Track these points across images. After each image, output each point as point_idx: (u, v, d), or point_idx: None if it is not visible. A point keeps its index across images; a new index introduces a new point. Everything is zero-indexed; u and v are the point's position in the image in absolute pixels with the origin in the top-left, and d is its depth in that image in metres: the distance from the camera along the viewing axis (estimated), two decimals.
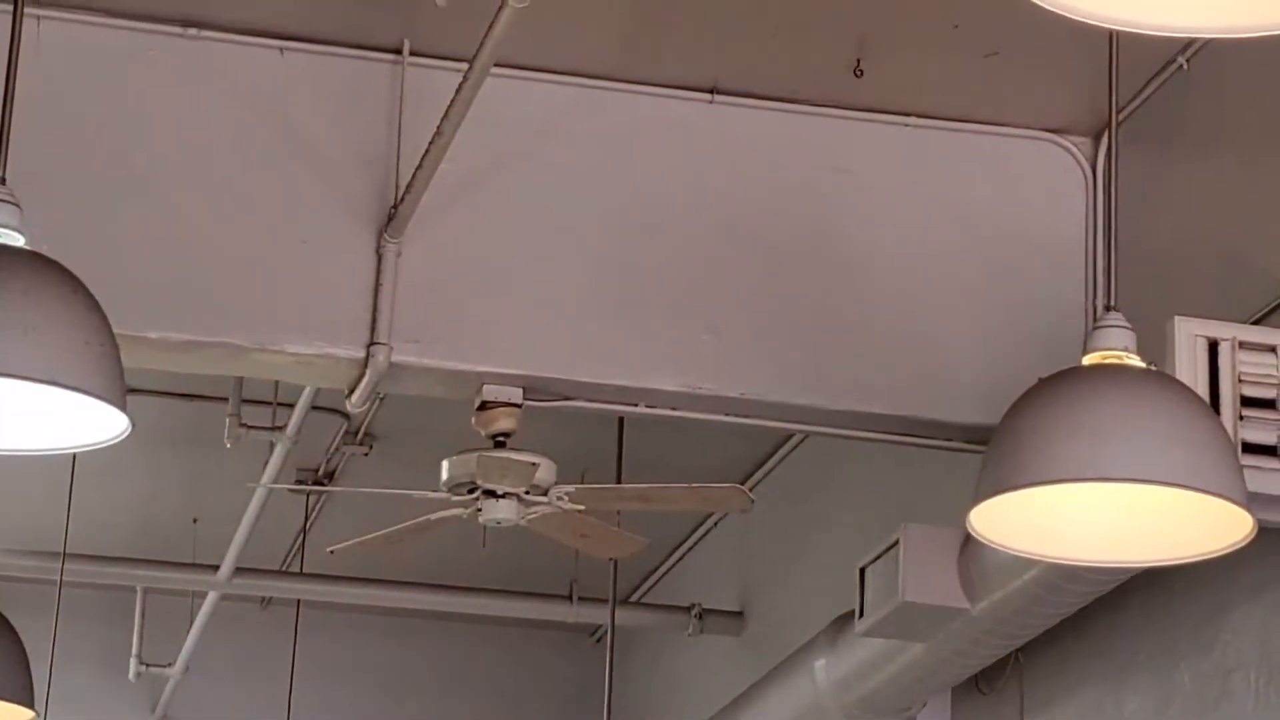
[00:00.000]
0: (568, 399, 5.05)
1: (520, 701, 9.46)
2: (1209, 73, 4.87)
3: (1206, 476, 3.48)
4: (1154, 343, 4.34)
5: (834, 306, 5.12)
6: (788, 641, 6.72)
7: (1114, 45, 3.83)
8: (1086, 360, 3.67)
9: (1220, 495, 3.49)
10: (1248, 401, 4.65)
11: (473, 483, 5.50)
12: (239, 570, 7.84)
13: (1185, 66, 4.85)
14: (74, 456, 6.95)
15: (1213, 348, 4.67)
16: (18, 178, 3.54)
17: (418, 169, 4.77)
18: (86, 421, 3.46)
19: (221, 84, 4.98)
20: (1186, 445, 3.49)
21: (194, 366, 5.17)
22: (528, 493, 5.54)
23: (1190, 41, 4.72)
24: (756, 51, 5.06)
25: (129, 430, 3.43)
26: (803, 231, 5.16)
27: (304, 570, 8.25)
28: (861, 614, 5.86)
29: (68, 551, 7.45)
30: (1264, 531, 3.75)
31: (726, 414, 5.09)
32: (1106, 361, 3.64)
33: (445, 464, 5.53)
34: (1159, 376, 3.68)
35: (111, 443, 3.49)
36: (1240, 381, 4.65)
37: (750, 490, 6.24)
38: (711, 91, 5.17)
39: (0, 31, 3.77)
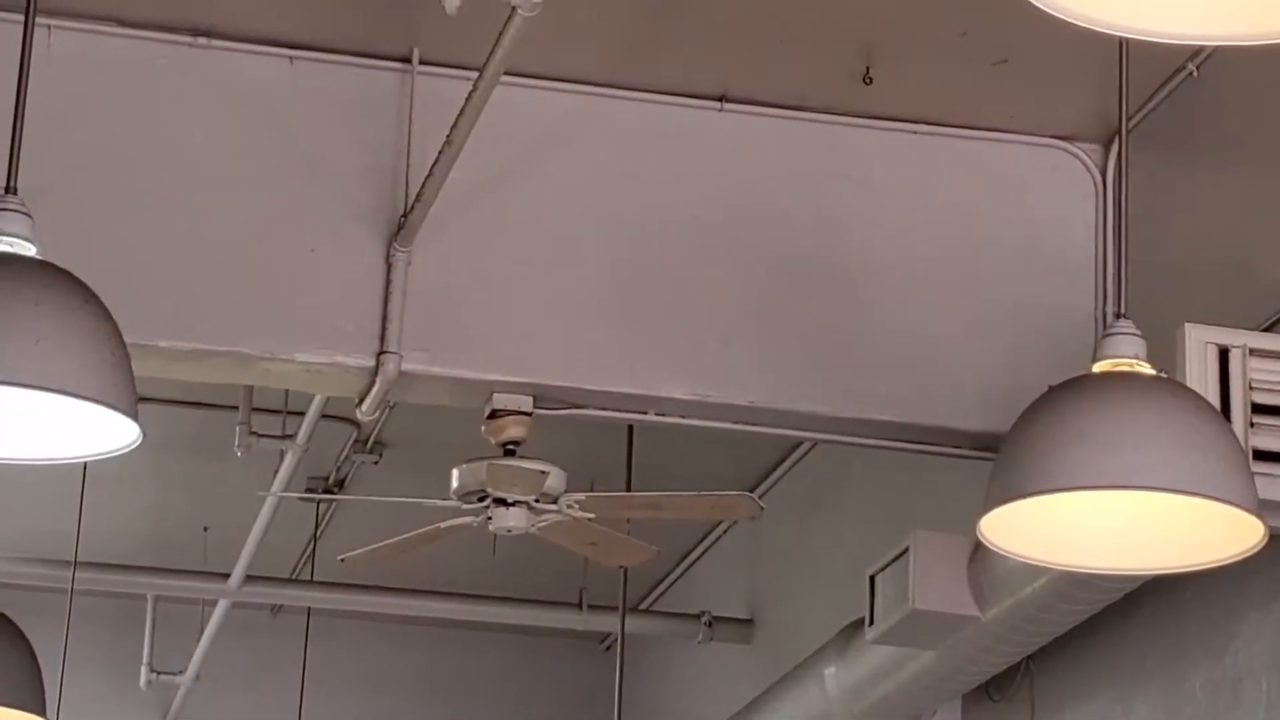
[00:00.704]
0: (577, 407, 5.06)
1: (530, 709, 9.46)
2: (1218, 79, 4.87)
3: (1217, 484, 3.47)
4: (1164, 350, 4.33)
5: (843, 314, 5.12)
6: (798, 649, 6.72)
7: (1124, 52, 3.83)
8: (1096, 368, 3.67)
9: (1231, 503, 3.49)
10: (1259, 409, 4.64)
11: (483, 491, 5.50)
12: (249, 578, 7.84)
13: (1195, 73, 4.85)
14: (85, 465, 6.96)
15: (1223, 355, 4.67)
16: (29, 187, 3.54)
17: (427, 178, 4.77)
18: (97, 430, 3.46)
19: (231, 93, 4.98)
20: (1197, 452, 3.48)
21: (204, 375, 5.18)
22: (537, 501, 5.55)
23: (1199, 48, 4.72)
24: (766, 59, 5.06)
25: (140, 439, 3.44)
26: (812, 239, 5.16)
27: (314, 578, 8.25)
28: (871, 621, 5.85)
29: (79, 560, 7.45)
30: (1275, 539, 3.74)
31: (736, 422, 5.09)
32: (1117, 369, 3.64)
33: (455, 472, 5.53)
34: (1169, 384, 3.68)
35: (122, 452, 3.49)
36: (1251, 389, 4.65)
37: (759, 498, 6.24)
38: (721, 99, 5.17)
39: (11, 41, 3.77)
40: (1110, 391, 3.58)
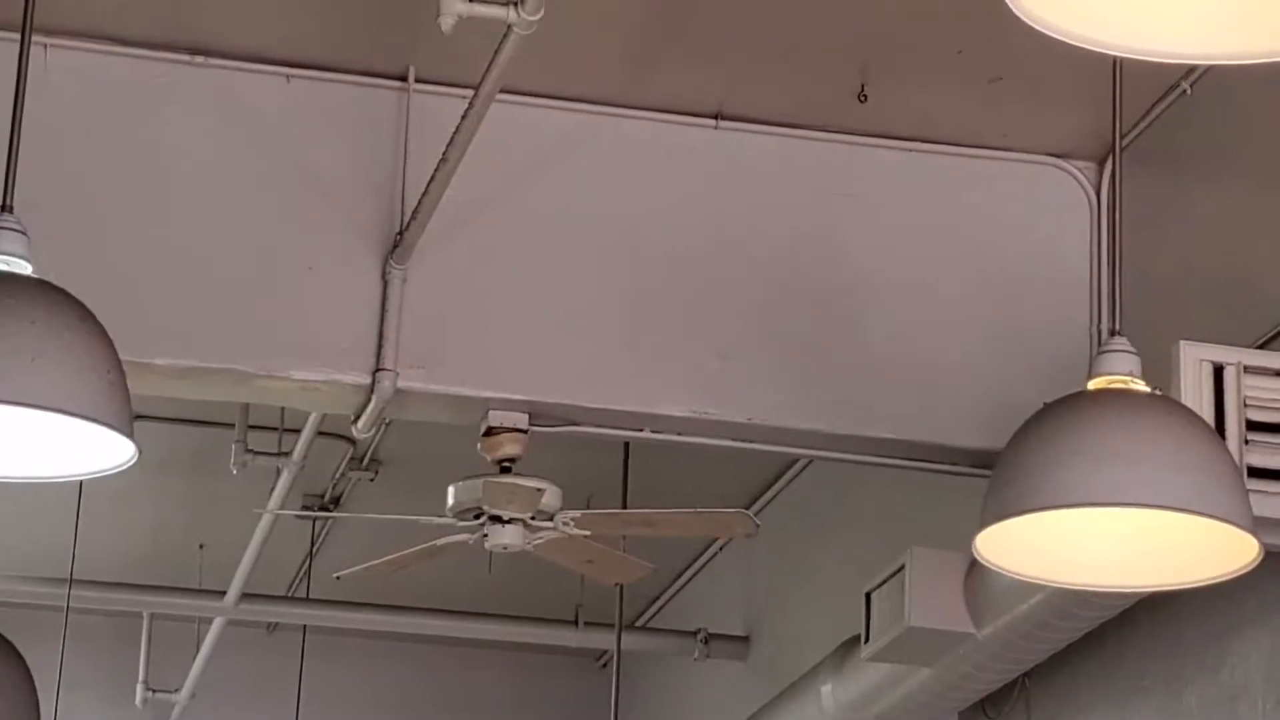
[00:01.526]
0: (573, 424, 5.06)
1: None
2: (1212, 97, 4.88)
3: (1212, 501, 3.48)
4: (1159, 367, 4.34)
5: (840, 331, 5.13)
6: (794, 666, 6.72)
7: (1117, 71, 3.84)
8: (1091, 385, 3.68)
9: (1226, 520, 3.49)
10: (1253, 426, 4.65)
11: (479, 508, 5.50)
12: (245, 596, 7.84)
13: (1189, 91, 4.86)
14: (81, 483, 6.95)
15: (1218, 372, 4.67)
16: (25, 205, 3.55)
17: (423, 195, 4.78)
18: (93, 449, 3.46)
19: (228, 111, 4.99)
20: (1192, 470, 3.49)
21: (200, 393, 5.18)
22: (534, 518, 5.55)
23: (1193, 67, 4.73)
24: (761, 76, 5.07)
25: (136, 457, 3.44)
26: (808, 256, 5.17)
27: (310, 596, 8.25)
28: (868, 638, 5.85)
29: (75, 578, 7.45)
30: (1270, 555, 3.74)
31: (733, 439, 5.09)
32: (1111, 386, 3.64)
33: (451, 489, 5.53)
34: (1164, 401, 3.68)
35: (118, 470, 3.49)
36: (1246, 406, 4.65)
37: (756, 515, 6.24)
38: (716, 117, 5.18)
39: (8, 59, 3.78)
40: (1105, 408, 3.58)
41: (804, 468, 7.41)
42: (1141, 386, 3.65)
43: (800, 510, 7.52)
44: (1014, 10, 2.51)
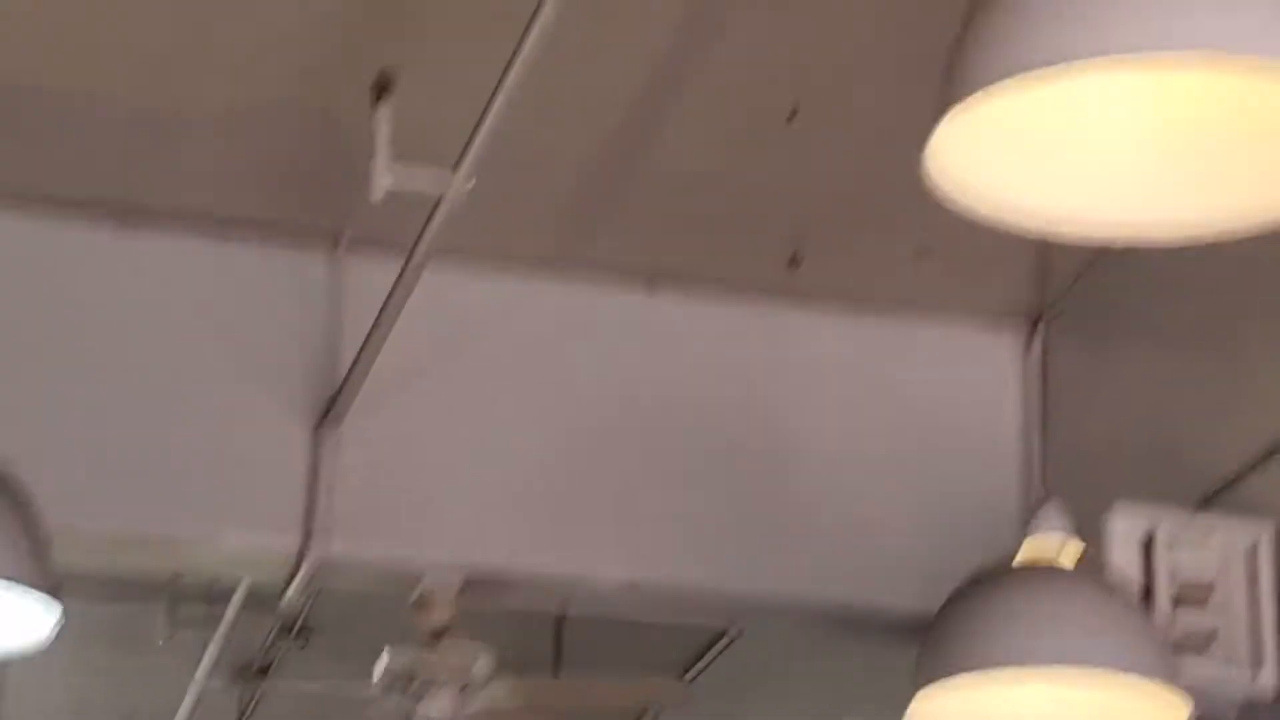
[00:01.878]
0: (506, 592, 5.02)
1: None
2: (1140, 261, 4.91)
3: (1141, 662, 3.50)
4: (1093, 527, 4.34)
5: (775, 497, 5.12)
6: None
7: (1046, 243, 3.87)
8: (1019, 561, 3.71)
9: (1154, 679, 3.51)
10: (1181, 595, 4.66)
11: (410, 676, 5.44)
12: None
13: (1119, 254, 4.89)
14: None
15: (1149, 538, 4.68)
16: None
17: (355, 361, 4.76)
18: (16, 620, 3.41)
19: (157, 274, 4.97)
20: (1119, 633, 3.52)
21: (129, 560, 5.13)
22: (465, 687, 5.49)
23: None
24: (693, 244, 5.09)
25: (60, 622, 3.39)
26: (742, 422, 5.17)
27: None
28: None
29: None
30: None
31: (668, 606, 5.06)
32: (1038, 563, 3.69)
33: (382, 657, 5.47)
34: (1089, 577, 3.72)
35: (44, 638, 3.44)
36: (1174, 573, 4.66)
37: (692, 680, 6.20)
38: (649, 283, 5.20)
39: None
40: (1032, 583, 3.62)
41: (741, 632, 7.36)
42: (1068, 561, 3.69)
43: (737, 675, 7.46)
44: (937, 191, 2.52)
